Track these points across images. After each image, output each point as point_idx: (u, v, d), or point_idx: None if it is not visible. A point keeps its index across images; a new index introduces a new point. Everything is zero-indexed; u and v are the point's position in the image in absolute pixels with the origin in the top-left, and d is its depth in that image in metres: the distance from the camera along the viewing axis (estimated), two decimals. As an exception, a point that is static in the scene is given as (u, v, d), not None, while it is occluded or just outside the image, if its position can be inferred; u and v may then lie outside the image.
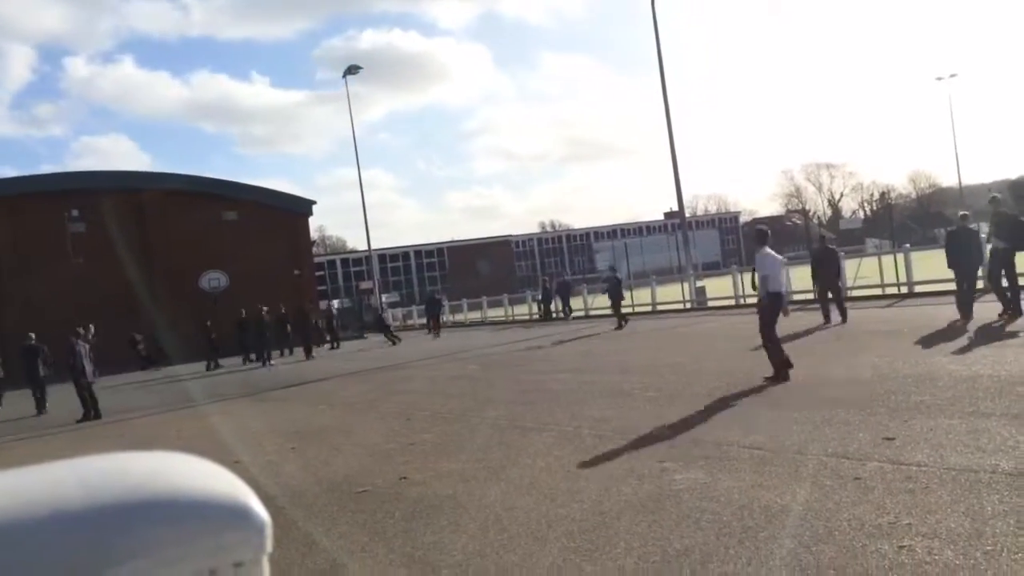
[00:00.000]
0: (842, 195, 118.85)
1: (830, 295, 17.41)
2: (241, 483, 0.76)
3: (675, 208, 39.68)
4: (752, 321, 13.25)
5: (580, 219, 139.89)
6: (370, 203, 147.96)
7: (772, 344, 10.18)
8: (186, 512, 0.68)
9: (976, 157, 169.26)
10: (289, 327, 30.68)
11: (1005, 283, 13.65)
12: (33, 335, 19.11)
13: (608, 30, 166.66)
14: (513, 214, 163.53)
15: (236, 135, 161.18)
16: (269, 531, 0.75)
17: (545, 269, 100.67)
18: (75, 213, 37.76)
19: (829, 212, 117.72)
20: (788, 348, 10.57)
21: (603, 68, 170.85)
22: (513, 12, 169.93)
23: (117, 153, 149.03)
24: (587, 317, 34.02)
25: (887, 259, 25.23)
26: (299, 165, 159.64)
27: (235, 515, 0.71)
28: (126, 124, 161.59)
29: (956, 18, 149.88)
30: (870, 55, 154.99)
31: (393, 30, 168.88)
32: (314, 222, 50.50)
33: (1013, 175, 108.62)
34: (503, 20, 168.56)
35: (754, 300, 25.16)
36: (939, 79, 79.39)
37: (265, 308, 28.87)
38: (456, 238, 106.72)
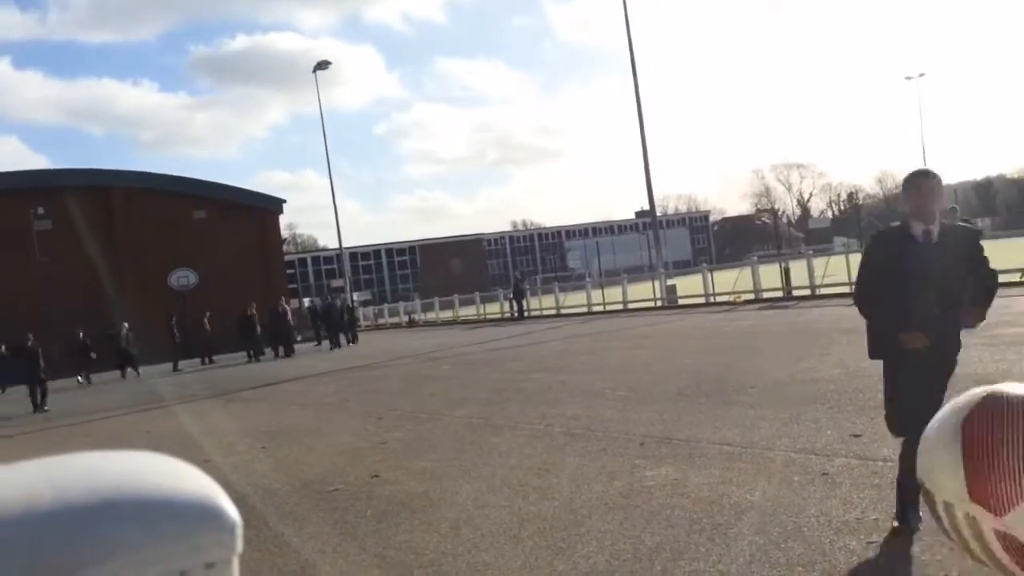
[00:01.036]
0: (811, 195, 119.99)
1: None
2: (212, 483, 0.76)
3: (645, 207, 39.91)
4: (721, 319, 13.36)
5: (535, 218, 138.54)
6: (311, 204, 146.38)
7: None
8: (157, 512, 0.67)
9: (943, 158, 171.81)
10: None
11: None
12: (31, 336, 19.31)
13: (488, 34, 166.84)
14: (464, 215, 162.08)
15: (126, 137, 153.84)
16: (240, 531, 0.75)
17: (517, 267, 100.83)
18: (41, 211, 37.22)
19: (798, 211, 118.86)
20: (760, 347, 10.57)
21: (509, 72, 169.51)
22: (375, 18, 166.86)
23: (6, 153, 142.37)
24: (558, 316, 34.09)
25: (855, 257, 25.52)
26: (211, 168, 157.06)
27: (206, 515, 0.71)
28: (10, 127, 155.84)
29: (925, 18, 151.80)
30: (840, 55, 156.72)
31: (269, 34, 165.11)
32: (283, 220, 50.11)
33: (979, 176, 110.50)
34: (368, 28, 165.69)
35: (724, 299, 25.12)
36: (908, 79, 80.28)
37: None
38: (423, 236, 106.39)
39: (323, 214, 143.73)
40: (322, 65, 47.68)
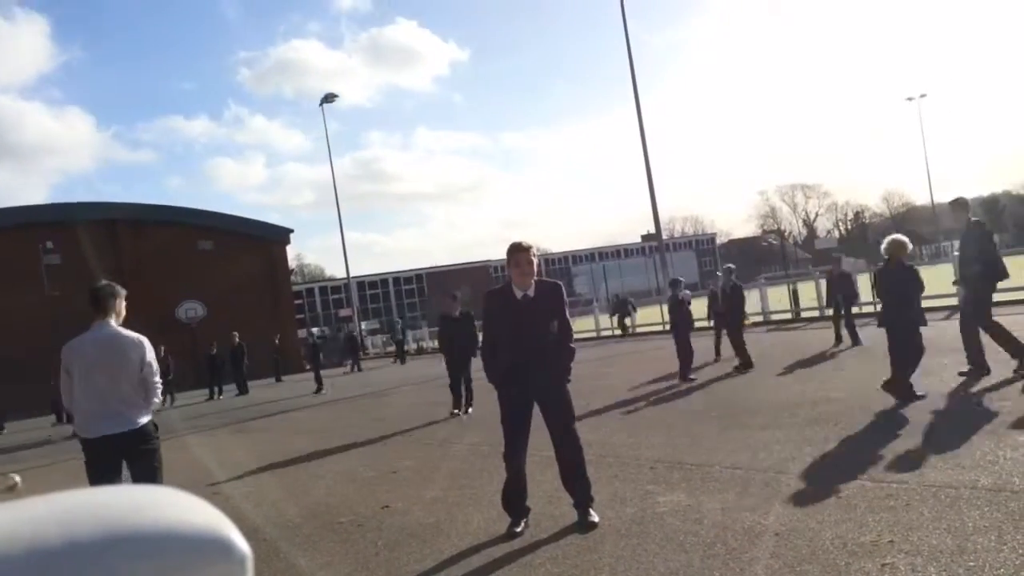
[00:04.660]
0: (817, 215, 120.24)
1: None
2: (222, 515, 0.76)
3: (651, 230, 39.94)
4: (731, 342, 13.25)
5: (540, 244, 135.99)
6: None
7: None
8: (166, 546, 0.67)
9: (948, 176, 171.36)
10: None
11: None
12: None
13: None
14: (400, 248, 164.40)
15: None
16: (250, 564, 0.74)
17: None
18: (49, 245, 37.39)
19: (804, 232, 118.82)
20: (769, 369, 10.45)
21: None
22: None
23: None
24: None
25: (862, 278, 25.46)
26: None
27: (216, 548, 0.71)
28: None
29: (925, 39, 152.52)
30: (843, 77, 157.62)
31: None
32: (291, 250, 50.36)
33: (985, 192, 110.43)
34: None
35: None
36: (909, 99, 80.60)
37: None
38: (436, 264, 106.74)
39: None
40: (329, 98, 48.08)
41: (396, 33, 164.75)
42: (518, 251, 5.80)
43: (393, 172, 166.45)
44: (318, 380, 24.82)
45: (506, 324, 5.94)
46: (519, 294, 5.86)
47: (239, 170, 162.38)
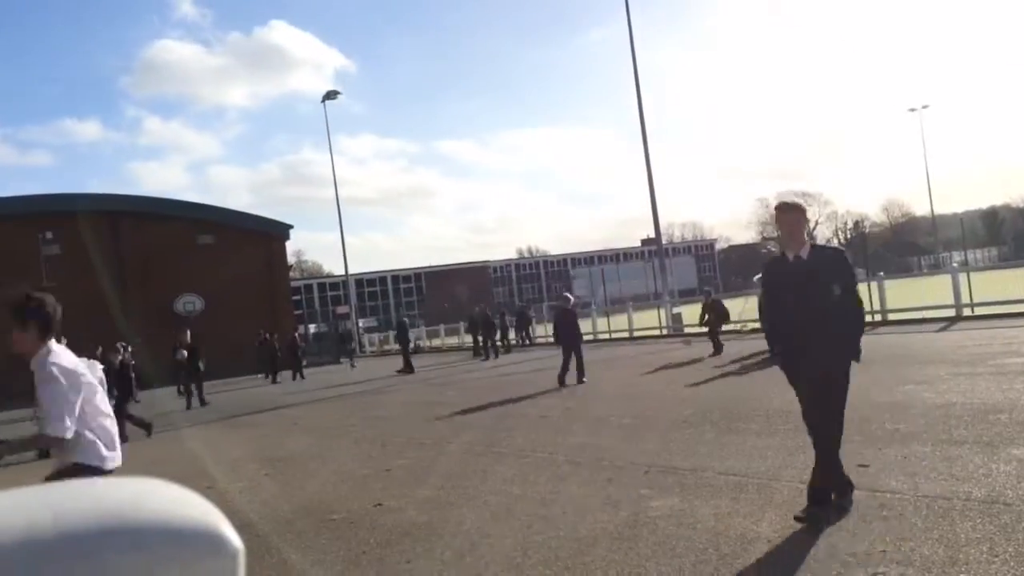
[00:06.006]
0: (817, 224, 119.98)
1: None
2: (214, 509, 0.76)
3: (651, 235, 39.98)
4: (727, 348, 13.06)
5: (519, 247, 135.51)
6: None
7: None
8: (158, 539, 0.67)
9: (948, 187, 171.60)
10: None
11: None
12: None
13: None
14: (368, 252, 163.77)
15: None
16: (242, 558, 0.74)
17: (523, 295, 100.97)
18: (49, 236, 37.40)
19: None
20: (765, 375, 10.38)
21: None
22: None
23: None
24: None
25: (861, 287, 25.47)
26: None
27: (208, 542, 0.71)
28: None
29: (928, 51, 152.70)
30: (846, 85, 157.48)
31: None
32: (290, 246, 50.34)
33: (984, 205, 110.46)
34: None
35: (729, 327, 24.57)
36: (912, 110, 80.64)
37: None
38: (432, 263, 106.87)
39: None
40: (331, 95, 48.11)
41: (272, 36, 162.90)
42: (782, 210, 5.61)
43: (325, 176, 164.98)
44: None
45: (785, 291, 5.54)
46: (791, 256, 5.50)
47: (162, 173, 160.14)
